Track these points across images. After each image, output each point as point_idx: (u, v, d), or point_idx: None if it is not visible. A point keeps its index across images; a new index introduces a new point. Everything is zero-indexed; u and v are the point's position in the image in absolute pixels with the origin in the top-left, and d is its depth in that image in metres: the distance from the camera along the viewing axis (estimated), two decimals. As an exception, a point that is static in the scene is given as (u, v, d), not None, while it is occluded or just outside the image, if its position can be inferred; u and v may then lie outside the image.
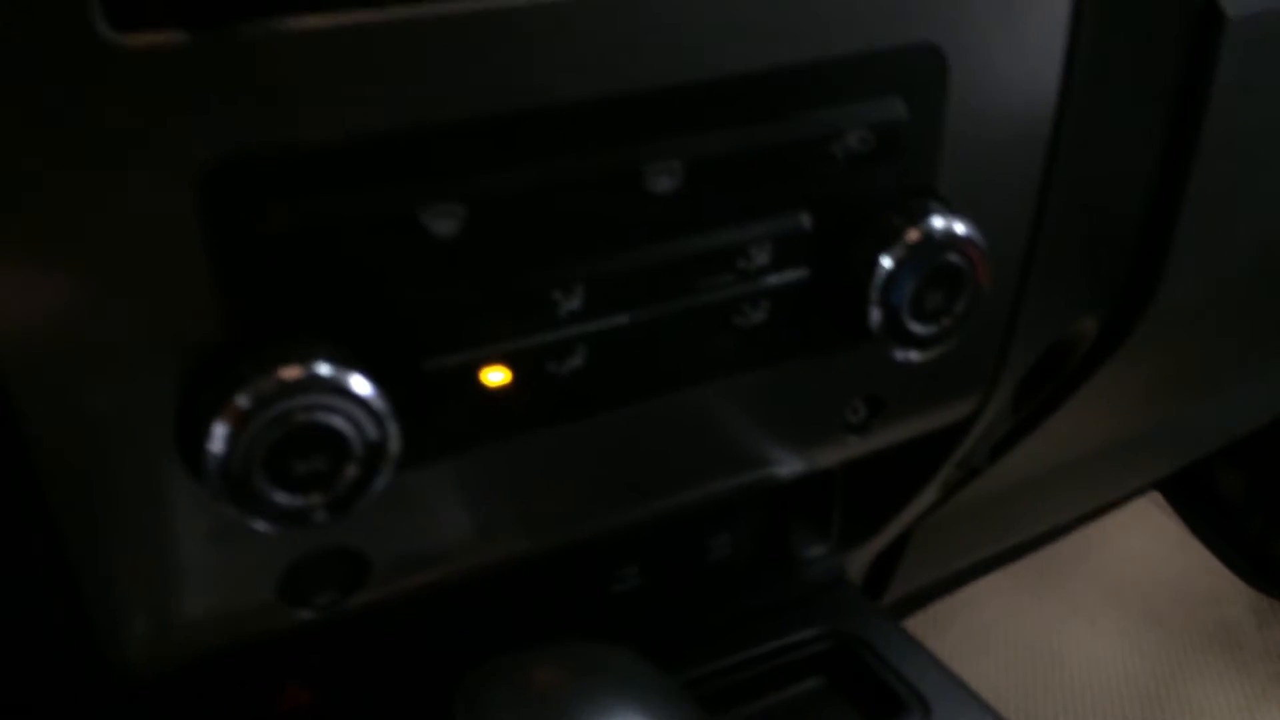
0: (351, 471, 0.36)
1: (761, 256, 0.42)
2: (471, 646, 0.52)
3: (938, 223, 0.43)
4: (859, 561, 0.67)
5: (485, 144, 0.36)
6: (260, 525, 0.35)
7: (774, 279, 0.43)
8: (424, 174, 0.35)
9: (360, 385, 0.35)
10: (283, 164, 0.33)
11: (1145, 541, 1.34)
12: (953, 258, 0.43)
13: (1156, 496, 1.37)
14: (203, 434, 0.34)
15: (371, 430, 0.36)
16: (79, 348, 0.33)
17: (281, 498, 0.35)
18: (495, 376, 0.39)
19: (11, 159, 0.30)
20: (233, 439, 0.34)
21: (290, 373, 0.34)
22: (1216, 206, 0.57)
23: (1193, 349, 0.69)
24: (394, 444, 0.36)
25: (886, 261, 0.43)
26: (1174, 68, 0.52)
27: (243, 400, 0.34)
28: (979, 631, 1.22)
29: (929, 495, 0.63)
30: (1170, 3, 0.51)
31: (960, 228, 0.43)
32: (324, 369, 0.35)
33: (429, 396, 0.38)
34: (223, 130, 0.32)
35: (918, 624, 1.19)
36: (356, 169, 0.34)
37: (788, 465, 0.50)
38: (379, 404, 0.36)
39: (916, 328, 0.44)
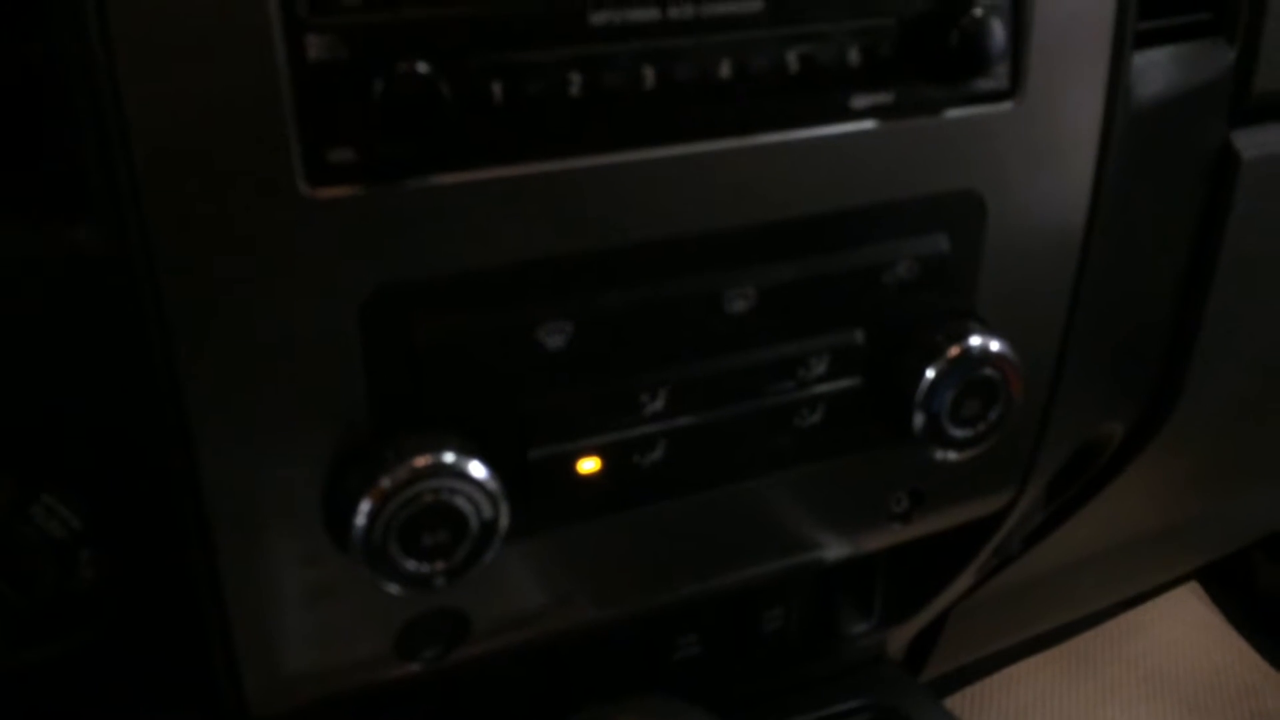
0: (468, 544, 0.42)
1: (819, 367, 0.48)
2: (546, 705, 0.57)
3: (975, 341, 0.49)
4: (898, 641, 0.71)
5: (592, 273, 0.42)
6: (391, 587, 0.42)
7: (830, 386, 0.49)
8: (541, 297, 0.42)
9: (478, 471, 0.42)
10: (430, 289, 0.40)
11: (1183, 630, 1.36)
12: (988, 372, 0.49)
13: (1195, 587, 1.38)
14: (350, 509, 0.40)
15: (487, 509, 0.42)
16: (256, 429, 0.40)
17: (410, 565, 0.41)
18: (588, 465, 0.46)
19: (229, 281, 0.37)
20: (374, 514, 0.40)
21: (423, 460, 0.41)
22: (1234, 323, 0.62)
23: (1217, 451, 0.73)
24: (504, 521, 0.43)
25: (929, 373, 0.48)
26: (1194, 200, 0.58)
27: (385, 482, 0.40)
28: (1015, 714, 1.24)
29: (965, 580, 0.67)
30: (1189, 145, 0.57)
31: (995, 345, 0.49)
32: (449, 457, 0.41)
33: (532, 482, 0.45)
34: (385, 261, 0.39)
35: (955, 705, 1.22)
36: (487, 293, 0.41)
37: (837, 549, 0.56)
38: (493, 487, 0.42)
39: (955, 431, 0.50)
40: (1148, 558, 0.92)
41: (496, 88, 0.38)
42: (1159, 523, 0.82)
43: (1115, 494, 0.69)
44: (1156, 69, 0.52)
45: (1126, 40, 0.49)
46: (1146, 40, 0.52)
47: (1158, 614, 1.35)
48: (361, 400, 0.41)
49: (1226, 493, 0.83)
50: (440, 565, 0.42)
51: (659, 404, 0.46)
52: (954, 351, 0.48)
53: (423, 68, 0.36)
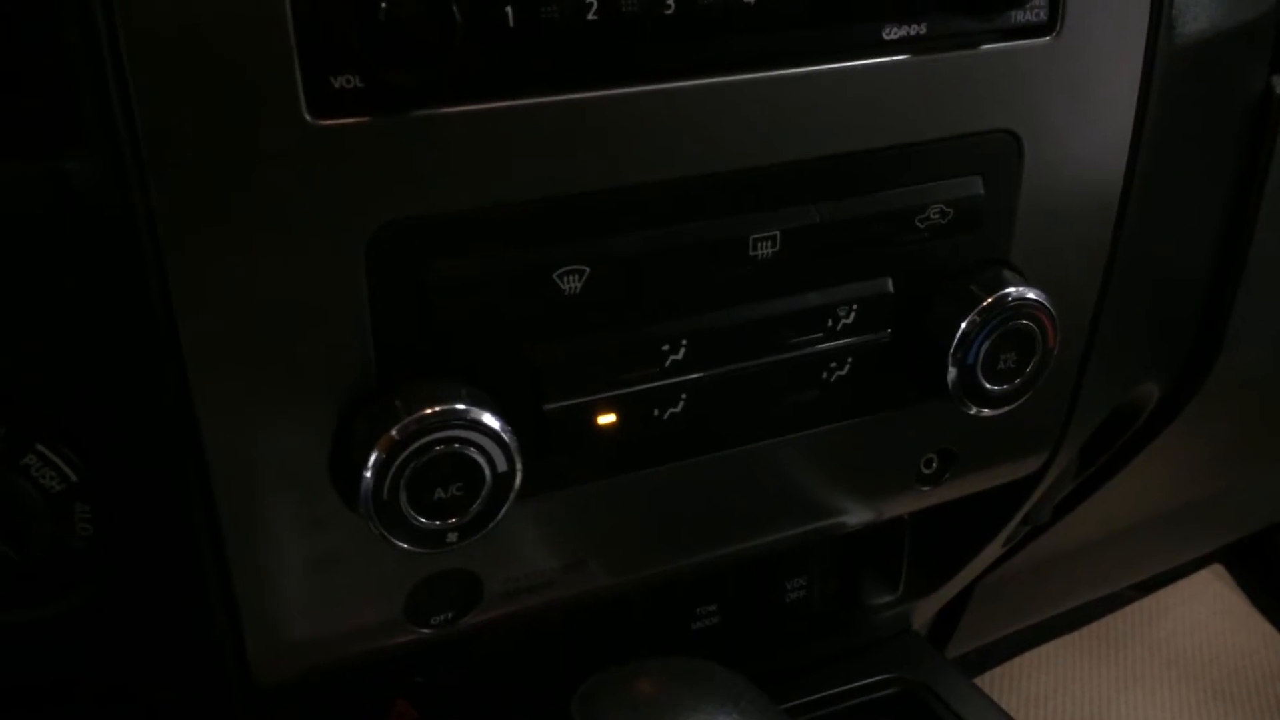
0: (482, 499, 0.40)
1: (847, 317, 0.46)
2: (561, 678, 0.55)
3: (1010, 290, 0.47)
4: (922, 615, 0.69)
5: (609, 213, 0.40)
6: (402, 546, 0.40)
7: (858, 338, 0.47)
8: (556, 238, 0.40)
9: (492, 420, 0.40)
10: (440, 227, 0.38)
11: (1208, 614, 1.34)
12: (1024, 322, 0.47)
13: (1219, 569, 1.36)
14: (359, 462, 0.38)
15: (501, 462, 0.40)
16: (257, 377, 0.38)
17: (422, 521, 0.39)
18: (606, 419, 0.43)
19: (227, 217, 0.35)
20: (383, 467, 0.38)
21: (434, 409, 0.39)
22: (1275, 278, 0.60)
23: (1253, 418, 0.71)
24: (519, 475, 0.41)
25: (963, 324, 0.46)
26: (1234, 147, 0.56)
27: (395, 432, 0.38)
28: (1039, 698, 1.22)
29: (994, 550, 0.65)
30: (1230, 89, 0.55)
31: (1031, 294, 0.47)
32: (461, 406, 0.39)
33: (548, 436, 0.43)
34: (392, 196, 0.37)
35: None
36: (500, 233, 0.39)
37: (864, 512, 0.54)
38: (508, 439, 0.40)
39: (989, 386, 0.48)
40: (1176, 533, 0.89)
41: (509, 10, 0.36)
42: (1190, 495, 0.79)
43: (1148, 462, 0.66)
44: (1199, 6, 0.50)
45: (1169, -26, 0.47)
46: (1188, -24, 0.50)
47: (1182, 597, 1.33)
48: (368, 348, 0.39)
49: (1262, 462, 0.81)
50: (453, 521, 0.40)
51: (680, 355, 0.44)
52: (988, 301, 0.46)
53: (431, -14, 0.34)
